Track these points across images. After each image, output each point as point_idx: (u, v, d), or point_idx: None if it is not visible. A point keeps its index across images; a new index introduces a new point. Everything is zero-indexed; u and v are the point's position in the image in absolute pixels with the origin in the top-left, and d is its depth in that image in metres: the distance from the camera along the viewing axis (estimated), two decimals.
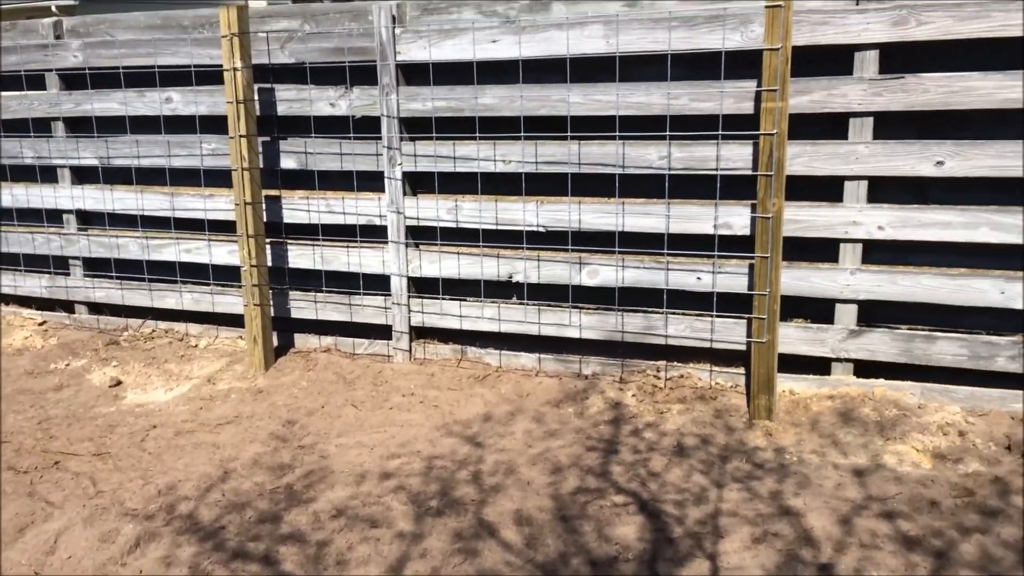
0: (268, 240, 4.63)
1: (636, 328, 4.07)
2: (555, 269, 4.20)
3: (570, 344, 4.27)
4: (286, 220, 4.68)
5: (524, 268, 4.25)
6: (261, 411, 4.11)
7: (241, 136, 4.33)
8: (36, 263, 5.38)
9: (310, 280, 4.76)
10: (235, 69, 4.28)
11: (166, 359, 4.77)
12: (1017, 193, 3.53)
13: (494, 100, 4.14)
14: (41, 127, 5.10)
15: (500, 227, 4.27)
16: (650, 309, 4.04)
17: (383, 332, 4.64)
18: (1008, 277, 3.54)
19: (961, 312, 3.67)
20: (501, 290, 4.39)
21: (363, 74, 4.36)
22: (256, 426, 3.96)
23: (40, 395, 4.43)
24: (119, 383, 4.52)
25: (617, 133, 3.92)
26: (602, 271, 4.10)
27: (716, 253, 3.87)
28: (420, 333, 4.58)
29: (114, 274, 5.16)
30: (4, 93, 5.16)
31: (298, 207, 4.65)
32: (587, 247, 4.16)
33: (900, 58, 3.57)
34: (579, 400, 3.95)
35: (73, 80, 5.02)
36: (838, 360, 3.83)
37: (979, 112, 3.47)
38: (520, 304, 4.31)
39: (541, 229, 4.20)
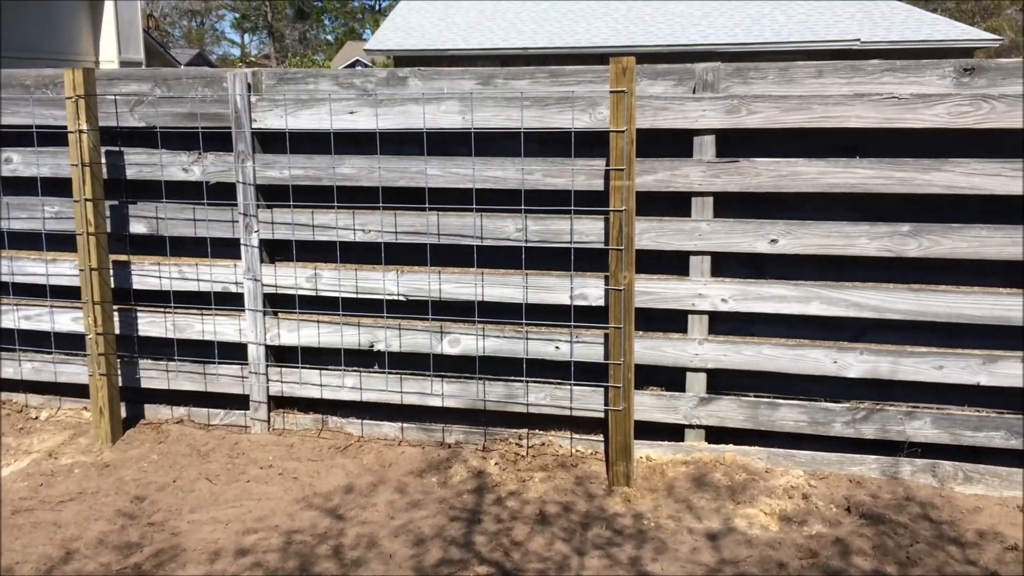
0: (116, 307, 4.45)
1: (498, 396, 4.15)
2: (416, 338, 4.23)
3: (433, 413, 4.30)
4: (136, 287, 4.52)
5: (385, 336, 4.26)
6: (107, 487, 3.94)
7: (87, 200, 4.16)
8: None
9: (162, 349, 4.60)
10: (80, 131, 4.12)
11: (4, 432, 4.50)
12: (847, 269, 3.82)
13: (352, 170, 4.15)
14: None
15: (360, 295, 4.26)
16: (511, 378, 4.12)
17: (240, 402, 4.53)
18: (840, 347, 3.81)
19: (801, 380, 3.93)
20: (362, 359, 4.38)
21: (218, 140, 4.29)
22: (102, 503, 3.79)
23: None
24: None
25: (475, 206, 4.01)
26: (463, 340, 4.16)
27: (572, 323, 3.99)
28: (279, 403, 4.51)
29: None
30: None
31: (149, 273, 4.50)
32: (447, 316, 4.21)
33: (737, 143, 3.81)
34: (442, 469, 3.98)
35: None
36: (690, 426, 4.01)
37: (812, 195, 3.74)
38: (382, 373, 4.31)
39: (401, 298, 4.22)
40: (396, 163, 4.09)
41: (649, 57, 16.40)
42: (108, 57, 27.21)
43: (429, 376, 4.23)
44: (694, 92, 3.79)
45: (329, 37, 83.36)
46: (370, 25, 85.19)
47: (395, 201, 4.15)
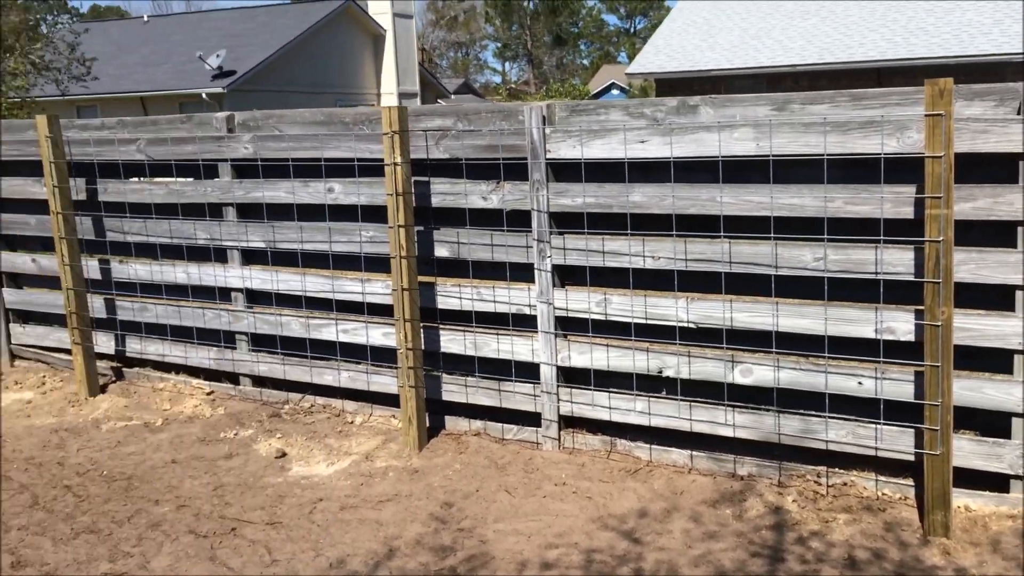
0: (422, 325, 4.83)
1: (793, 431, 4.04)
2: (706, 366, 4.23)
3: (723, 442, 4.27)
4: (439, 306, 4.88)
5: (675, 363, 4.29)
6: (418, 491, 4.27)
7: (400, 226, 4.56)
8: (205, 336, 5.76)
9: (460, 364, 4.93)
10: (395, 164, 4.52)
11: (326, 434, 5.01)
12: None
13: (643, 198, 4.23)
14: (214, 212, 5.49)
15: (649, 321, 4.33)
16: (809, 412, 4.01)
17: (531, 419, 4.75)
18: None
19: None
20: (650, 384, 4.44)
21: (513, 170, 4.54)
22: (415, 506, 4.12)
23: (212, 462, 4.72)
24: (284, 455, 4.78)
25: (772, 234, 3.95)
26: (755, 370, 4.10)
27: (881, 359, 3.81)
28: (568, 422, 4.67)
29: (277, 350, 5.47)
30: (180, 180, 5.59)
31: (450, 294, 4.84)
32: (739, 345, 4.17)
33: None
34: (736, 502, 3.94)
35: (243, 169, 5.39)
36: (1016, 477, 3.69)
37: None
38: (671, 399, 4.35)
39: (691, 325, 4.24)
40: (687, 191, 4.13)
41: (932, 71, 15.29)
42: (388, 89, 29.58)
43: (720, 405, 4.21)
44: (1019, 113, 3.51)
45: (585, 61, 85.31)
46: (625, 48, 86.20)
47: (685, 229, 4.19)
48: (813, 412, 4.00)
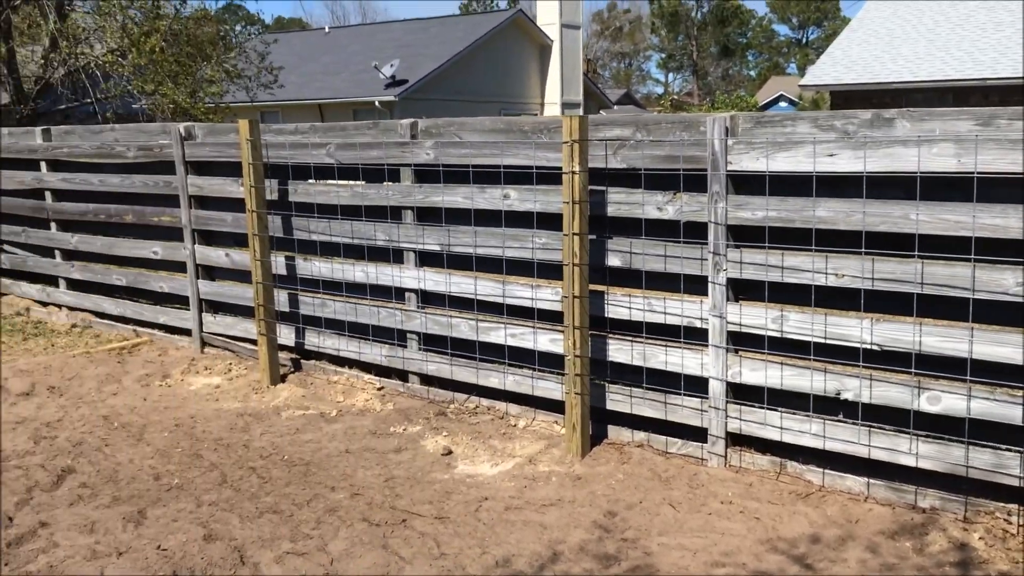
0: (590, 333, 4.85)
1: (983, 464, 3.80)
2: (889, 390, 4.03)
3: (902, 472, 4.06)
4: (608, 315, 4.89)
5: (855, 386, 4.12)
6: (581, 498, 4.29)
7: (575, 234, 4.60)
8: (378, 333, 6.01)
9: (625, 374, 4.92)
10: (573, 172, 4.56)
11: (490, 435, 5.12)
12: None
13: (829, 213, 4.09)
14: (394, 215, 5.72)
15: (828, 341, 4.18)
16: (1002, 446, 3.76)
17: (696, 434, 4.68)
18: None
19: None
20: (824, 406, 4.28)
21: (690, 181, 4.49)
22: (578, 512, 4.14)
23: (383, 455, 4.92)
24: (450, 452, 4.91)
25: (972, 256, 3.73)
26: (944, 398, 3.88)
27: None
28: (735, 440, 4.57)
29: (449, 351, 5.63)
30: (360, 183, 5.86)
31: (619, 303, 4.84)
32: (925, 370, 3.96)
33: None
34: (917, 535, 3.75)
35: (423, 174, 5.59)
36: None
37: None
38: (848, 423, 4.18)
39: (875, 347, 4.06)
40: (878, 207, 3.96)
41: None
42: (552, 99, 29.89)
43: (903, 433, 4.01)
44: None
45: (751, 72, 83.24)
46: (796, 59, 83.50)
47: (867, 247, 4.02)
48: (1007, 446, 3.74)
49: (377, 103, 23.92)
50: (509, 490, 4.41)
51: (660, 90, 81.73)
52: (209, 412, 5.70)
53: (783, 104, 56.07)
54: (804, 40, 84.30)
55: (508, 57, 28.43)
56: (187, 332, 7.20)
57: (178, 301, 7.35)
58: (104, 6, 13.75)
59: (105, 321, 7.83)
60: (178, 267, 7.14)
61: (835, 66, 18.76)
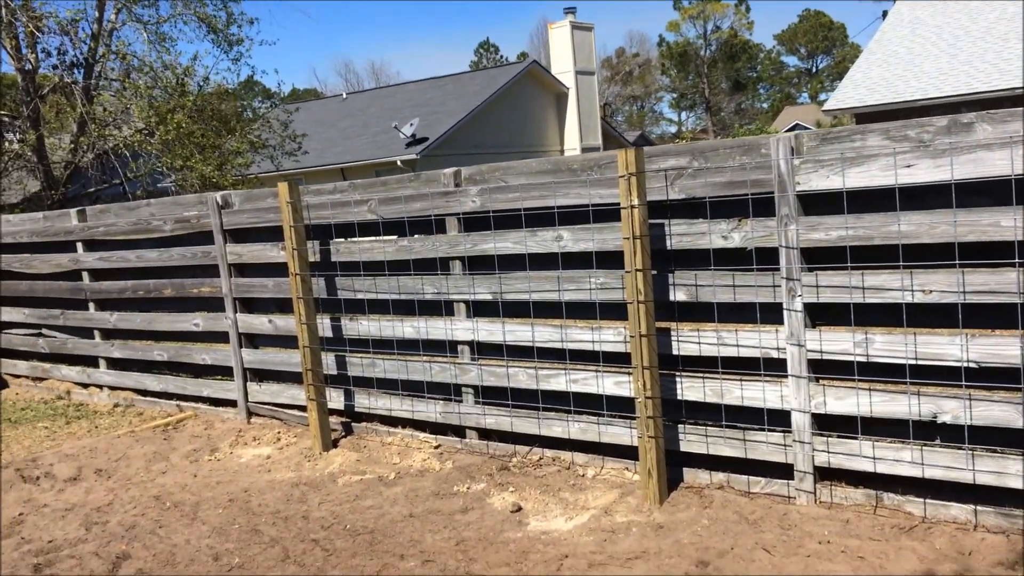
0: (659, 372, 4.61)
1: None
2: (992, 410, 3.76)
3: (1013, 496, 3.77)
4: (676, 352, 4.65)
5: (953, 407, 3.85)
6: (667, 548, 4.02)
7: (637, 270, 4.39)
8: (432, 390, 5.80)
9: (698, 413, 4.66)
10: (632, 206, 4.37)
11: (559, 487, 4.86)
12: None
13: (911, 227, 3.86)
14: (442, 266, 5.54)
15: (919, 362, 3.92)
16: None
17: (779, 471, 4.40)
18: None
19: None
20: (918, 431, 4.01)
21: (754, 206, 4.29)
22: (666, 563, 3.87)
23: (449, 516, 4.67)
24: (520, 509, 4.66)
25: None
26: None
27: None
28: (824, 474, 4.29)
29: (508, 402, 5.41)
30: (405, 237, 5.70)
31: (688, 339, 4.61)
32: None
33: None
34: None
35: (469, 222, 5.42)
36: None
37: None
38: (948, 448, 3.89)
39: (972, 365, 3.79)
40: (964, 216, 3.73)
41: None
42: (571, 145, 29.92)
43: (1011, 455, 3.72)
44: None
45: (764, 105, 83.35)
46: (807, 88, 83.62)
47: (950, 259, 3.78)
48: None
49: (399, 162, 24.03)
50: (589, 545, 4.15)
51: (674, 129, 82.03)
52: (263, 484, 5.49)
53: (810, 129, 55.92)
54: (815, 69, 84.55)
55: (525, 107, 28.57)
56: (232, 403, 7.04)
57: (221, 372, 7.20)
58: (131, 86, 13.92)
59: (147, 398, 7.69)
60: (220, 337, 7.01)
61: (857, 89, 18.60)
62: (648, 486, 4.53)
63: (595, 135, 30.38)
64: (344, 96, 34.64)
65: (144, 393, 7.73)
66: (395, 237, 5.74)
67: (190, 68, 14.15)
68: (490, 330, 5.39)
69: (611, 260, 4.75)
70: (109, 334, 7.97)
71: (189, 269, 7.06)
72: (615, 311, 4.84)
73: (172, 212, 7.12)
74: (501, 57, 72.62)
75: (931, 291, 3.85)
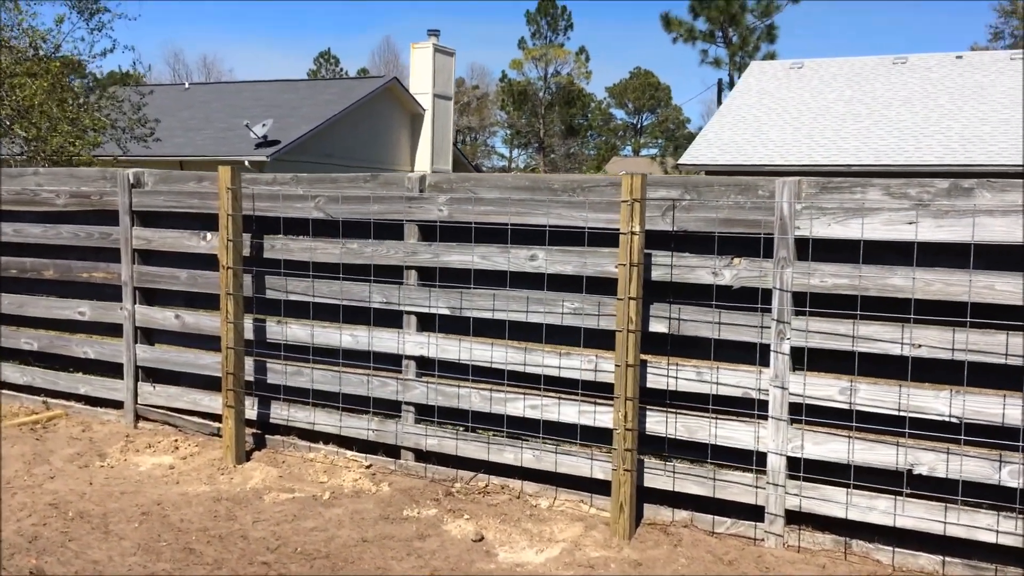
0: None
1: None
2: (967, 464, 3.95)
3: (979, 548, 3.96)
4: (648, 384, 4.60)
5: (930, 460, 4.01)
6: None
7: (631, 298, 4.32)
8: (362, 404, 5.45)
9: (666, 448, 4.63)
10: (632, 233, 4.31)
11: (518, 517, 4.66)
12: None
13: (904, 281, 4.02)
14: (393, 274, 5.24)
15: (900, 413, 4.07)
16: None
17: (748, 512, 4.43)
18: None
19: None
20: (890, 480, 4.15)
21: (745, 246, 4.35)
22: None
23: (407, 543, 4.36)
24: (482, 538, 4.42)
25: None
26: None
27: None
28: (792, 517, 4.35)
29: (455, 423, 5.16)
30: (360, 240, 5.35)
31: (660, 372, 4.58)
32: (1005, 442, 3.90)
33: None
34: None
35: (429, 232, 5.16)
36: None
37: None
38: (921, 499, 4.05)
39: (953, 420, 3.97)
40: (959, 276, 3.92)
41: (993, 176, 15.38)
42: (421, 166, 29.70)
43: (982, 509, 3.92)
44: None
45: (591, 152, 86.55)
46: (631, 143, 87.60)
47: (941, 316, 3.98)
48: None
49: (247, 162, 22.93)
50: None
51: (503, 163, 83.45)
52: (175, 497, 4.93)
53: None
54: (640, 124, 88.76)
55: (380, 123, 28.12)
56: (115, 404, 6.33)
57: (104, 369, 6.47)
58: None
59: (7, 392, 6.78)
60: (110, 330, 6.30)
61: (710, 147, 19.63)
62: (619, 520, 4.43)
63: (446, 159, 30.34)
64: (187, 86, 32.79)
65: (3, 385, 6.81)
66: (343, 239, 5.37)
67: (45, 34, 12.84)
68: (443, 346, 5.14)
69: (593, 285, 4.67)
70: None
71: (80, 250, 6.33)
72: (590, 338, 4.74)
73: (66, 184, 6.37)
74: (341, 70, 71.29)
75: (921, 345, 4.01)
